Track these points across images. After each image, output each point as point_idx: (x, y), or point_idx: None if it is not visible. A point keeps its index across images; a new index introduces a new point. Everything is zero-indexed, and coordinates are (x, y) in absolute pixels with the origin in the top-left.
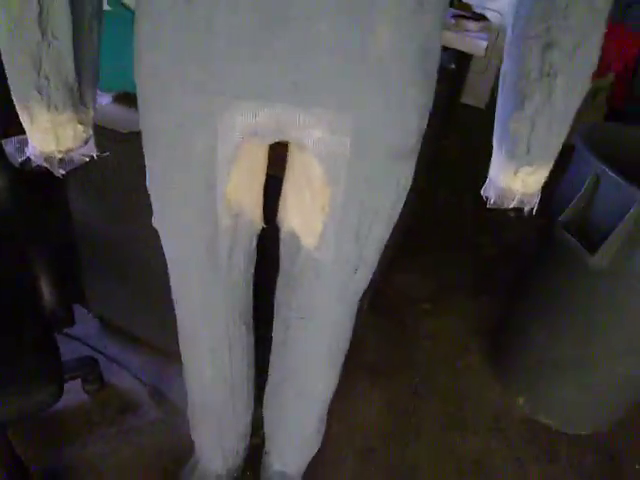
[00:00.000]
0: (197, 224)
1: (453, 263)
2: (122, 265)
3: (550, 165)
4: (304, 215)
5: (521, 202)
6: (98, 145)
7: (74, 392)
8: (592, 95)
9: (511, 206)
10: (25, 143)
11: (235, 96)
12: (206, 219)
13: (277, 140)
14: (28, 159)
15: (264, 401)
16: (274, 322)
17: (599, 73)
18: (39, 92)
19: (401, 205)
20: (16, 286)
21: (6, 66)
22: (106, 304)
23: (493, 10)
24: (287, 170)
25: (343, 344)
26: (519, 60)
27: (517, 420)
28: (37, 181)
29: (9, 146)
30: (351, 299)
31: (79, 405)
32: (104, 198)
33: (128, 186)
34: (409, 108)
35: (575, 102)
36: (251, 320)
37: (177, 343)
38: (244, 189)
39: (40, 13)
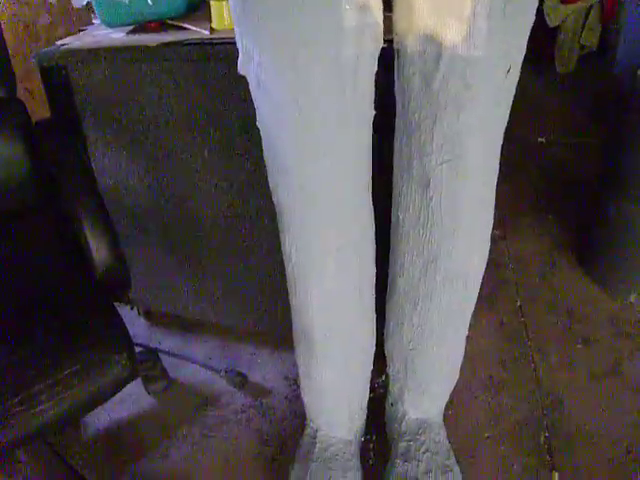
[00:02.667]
0: (315, 29)
1: (507, 190)
2: (167, 239)
3: None
4: (442, 7)
5: None
6: None
7: (137, 397)
8: (584, 18)
9: None
10: None
11: None
12: (327, 18)
13: None
14: None
15: (390, 323)
16: (400, 191)
17: None
18: None
19: None
20: (57, 250)
21: None
22: (151, 291)
23: None
24: None
25: (493, 195)
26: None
27: (636, 320)
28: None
29: None
30: (501, 116)
31: (147, 410)
32: (134, 143)
33: (167, 118)
34: None
35: None
36: (370, 186)
37: (246, 318)
38: None
39: None
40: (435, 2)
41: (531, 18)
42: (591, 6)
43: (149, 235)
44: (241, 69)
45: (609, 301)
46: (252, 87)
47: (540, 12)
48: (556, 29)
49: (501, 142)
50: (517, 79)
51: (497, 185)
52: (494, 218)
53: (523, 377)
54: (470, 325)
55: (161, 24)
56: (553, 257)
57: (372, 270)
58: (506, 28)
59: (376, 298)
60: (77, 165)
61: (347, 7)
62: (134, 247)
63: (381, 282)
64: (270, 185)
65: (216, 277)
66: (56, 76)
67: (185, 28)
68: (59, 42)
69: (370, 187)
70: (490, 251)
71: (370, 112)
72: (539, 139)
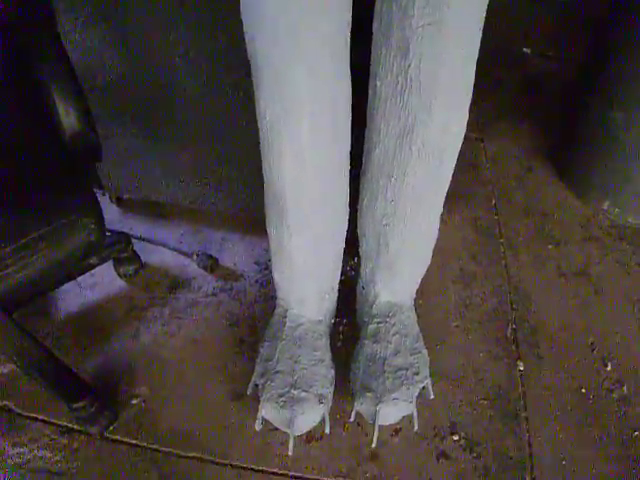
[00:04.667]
0: None
1: (485, 95)
2: (140, 120)
3: None
4: None
5: None
6: None
7: (108, 279)
8: None
9: None
10: None
11: None
12: None
13: None
14: None
15: (363, 199)
16: (376, 57)
17: None
18: None
19: None
20: (31, 115)
21: None
22: (122, 175)
23: None
24: None
25: (475, 58)
26: None
27: (607, 226)
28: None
29: None
30: None
31: (118, 293)
32: (108, 22)
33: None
34: None
35: None
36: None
37: (218, 201)
38: None
39: None
40: None
41: None
42: None
43: (121, 116)
44: None
45: (582, 207)
46: None
47: None
48: None
49: (485, 10)
50: None
51: (476, 93)
52: (472, 121)
53: (493, 271)
54: (445, 219)
55: None
56: (530, 162)
57: (347, 142)
58: None
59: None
60: (46, 33)
61: None
62: (106, 129)
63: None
64: (246, 38)
65: (189, 159)
66: None
67: None
68: None
69: (348, 59)
70: (468, 151)
71: None
72: (524, 49)
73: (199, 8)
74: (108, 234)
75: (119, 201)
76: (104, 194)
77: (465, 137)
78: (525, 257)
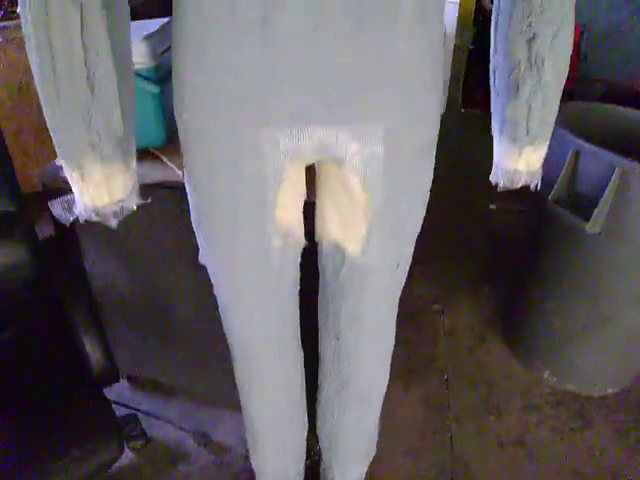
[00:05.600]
0: (249, 249)
1: (450, 261)
2: (147, 318)
3: (548, 141)
4: (346, 225)
5: (527, 180)
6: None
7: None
8: None
9: (519, 185)
10: (72, 202)
11: (280, 125)
12: (258, 242)
13: (318, 159)
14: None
15: (319, 415)
16: (321, 336)
17: None
18: (92, 147)
19: (427, 199)
20: (56, 346)
21: (54, 128)
22: (133, 360)
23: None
24: (321, 188)
25: (391, 342)
26: (508, 55)
27: (546, 393)
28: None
29: (56, 208)
30: (394, 296)
31: (128, 464)
32: (122, 252)
33: (148, 238)
34: (429, 106)
35: (562, 79)
36: (299, 337)
37: (211, 385)
38: (290, 209)
39: (88, 75)
40: (340, 222)
41: (417, 228)
42: None
43: (131, 320)
44: (201, 259)
45: (527, 374)
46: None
47: None
48: None
49: (397, 307)
50: (407, 267)
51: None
52: (435, 293)
53: (439, 444)
54: (399, 399)
55: (140, 152)
56: (484, 331)
57: (301, 393)
58: (394, 243)
59: None
60: (76, 280)
61: (274, 237)
62: (120, 328)
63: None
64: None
65: (187, 354)
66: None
67: (162, 161)
68: (58, 162)
69: (298, 337)
70: (428, 325)
71: (295, 289)
72: (490, 206)
73: (191, 250)
74: (122, 413)
75: (129, 378)
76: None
77: (427, 310)
78: (469, 428)
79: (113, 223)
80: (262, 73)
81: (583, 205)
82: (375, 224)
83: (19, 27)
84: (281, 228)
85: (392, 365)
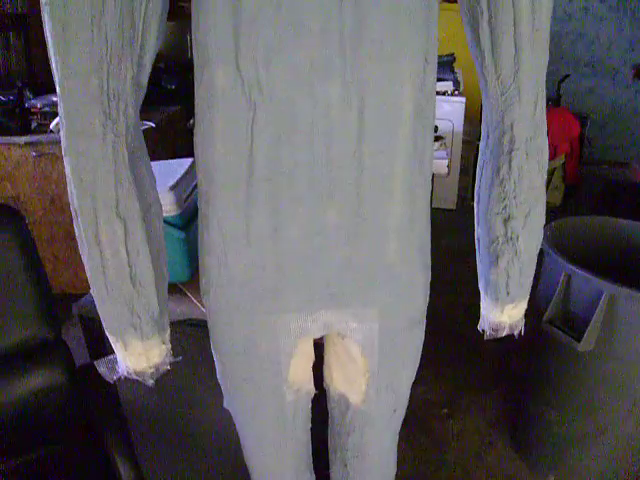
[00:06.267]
0: (265, 405)
1: (459, 365)
2: (174, 438)
3: (527, 297)
4: (349, 380)
5: (510, 329)
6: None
7: None
8: (548, 178)
9: (504, 334)
10: (115, 362)
11: (291, 311)
12: (274, 399)
13: (324, 334)
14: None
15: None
16: (331, 463)
17: (551, 156)
18: (133, 328)
19: (420, 355)
20: (90, 466)
21: (101, 310)
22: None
23: (443, 119)
24: (328, 350)
25: (394, 463)
26: (488, 231)
27: None
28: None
29: (102, 366)
30: (395, 429)
31: None
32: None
33: (175, 372)
34: (419, 289)
35: (535, 249)
36: (312, 464)
37: None
38: (301, 371)
39: (131, 273)
40: (344, 378)
41: (410, 381)
42: (555, 168)
43: (159, 439)
44: (226, 405)
45: (531, 478)
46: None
47: None
48: None
49: (397, 436)
50: (404, 411)
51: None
52: (443, 397)
53: None
54: None
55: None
56: (491, 434)
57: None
58: (390, 395)
59: None
60: (110, 404)
61: (287, 394)
62: (149, 443)
63: None
64: None
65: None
66: (93, 326)
67: (187, 295)
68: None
69: (310, 465)
70: (437, 429)
71: (307, 429)
72: None
73: (215, 388)
74: None
75: None
76: None
77: (435, 414)
78: None
79: (150, 382)
80: (275, 273)
81: (576, 324)
82: (373, 381)
83: (52, 142)
84: (294, 386)
85: (402, 470)
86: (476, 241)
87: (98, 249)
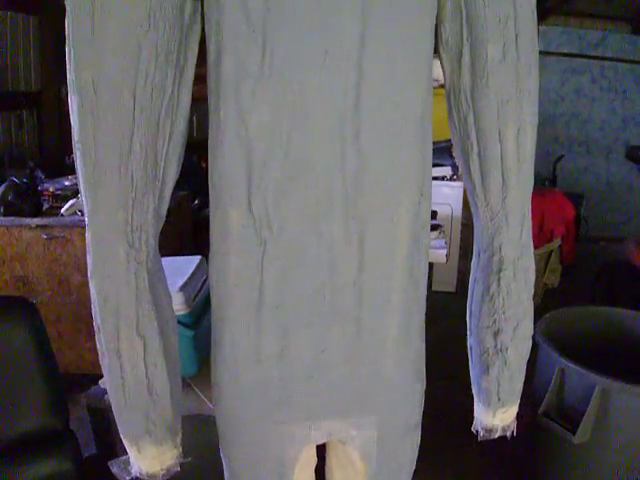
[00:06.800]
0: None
1: (459, 451)
2: None
3: (517, 402)
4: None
5: (503, 431)
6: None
7: None
8: (546, 260)
9: (496, 436)
10: (128, 463)
11: (296, 421)
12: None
13: (326, 440)
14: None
15: None
16: None
17: (548, 239)
18: (149, 434)
19: (416, 455)
20: None
21: (119, 417)
22: None
23: (441, 203)
24: (330, 454)
25: None
26: (479, 343)
27: None
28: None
29: (116, 467)
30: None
31: None
32: None
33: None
34: (414, 398)
35: (523, 358)
36: None
37: None
38: (305, 475)
39: (149, 385)
40: (345, 478)
41: (410, 477)
42: (552, 251)
43: None
44: None
45: None
46: None
47: None
48: None
49: None
50: None
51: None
52: None
53: None
54: None
55: None
56: None
57: None
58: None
59: None
60: None
61: None
62: None
63: None
64: None
65: None
66: (101, 418)
67: (195, 390)
68: (102, 385)
69: None
70: None
71: None
72: None
73: None
74: None
75: None
76: None
77: None
78: None
79: None
80: (282, 387)
81: (570, 416)
82: None
83: (63, 225)
84: None
85: None
86: (469, 350)
87: (118, 362)
